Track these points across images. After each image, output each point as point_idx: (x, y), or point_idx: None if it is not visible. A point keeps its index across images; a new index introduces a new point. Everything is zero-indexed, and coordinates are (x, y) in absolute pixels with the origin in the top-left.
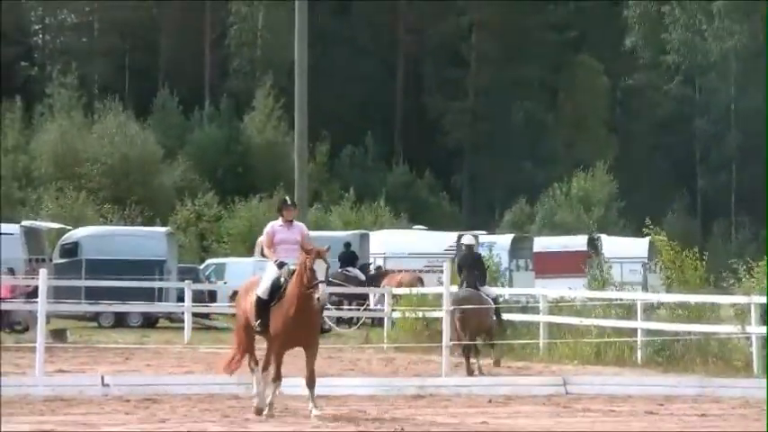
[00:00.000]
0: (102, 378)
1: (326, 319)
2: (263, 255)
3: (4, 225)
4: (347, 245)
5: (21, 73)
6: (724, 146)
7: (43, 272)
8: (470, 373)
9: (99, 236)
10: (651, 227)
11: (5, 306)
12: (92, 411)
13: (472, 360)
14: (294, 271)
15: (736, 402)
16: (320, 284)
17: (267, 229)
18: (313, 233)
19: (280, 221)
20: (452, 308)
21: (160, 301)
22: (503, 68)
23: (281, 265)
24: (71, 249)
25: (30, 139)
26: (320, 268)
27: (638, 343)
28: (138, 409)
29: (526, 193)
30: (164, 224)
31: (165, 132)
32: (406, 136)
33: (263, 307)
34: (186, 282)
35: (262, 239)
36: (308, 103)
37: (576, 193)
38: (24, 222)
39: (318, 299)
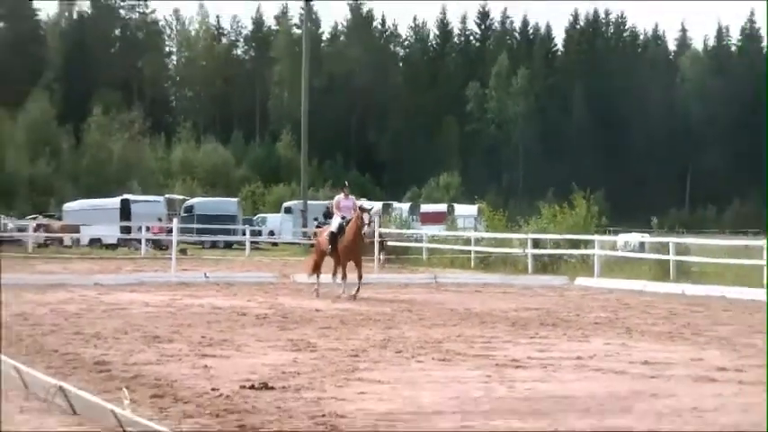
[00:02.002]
0: (205, 273)
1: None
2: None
3: (154, 196)
4: (328, 209)
5: (163, 117)
6: (515, 160)
7: (175, 220)
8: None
9: (203, 202)
10: (479, 199)
11: (157, 237)
12: (200, 290)
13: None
14: (349, 221)
15: (519, 288)
16: (366, 227)
17: (336, 198)
18: (314, 202)
19: (342, 195)
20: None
21: (234, 234)
22: (413, 116)
23: (343, 218)
24: (189, 209)
25: (168, 153)
26: (366, 219)
27: (472, 257)
28: (222, 289)
29: (418, 183)
30: (235, 196)
31: (235, 151)
32: (359, 152)
33: (334, 239)
34: (246, 225)
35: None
36: (308, 134)
37: (442, 183)
38: (166, 195)
39: (365, 233)
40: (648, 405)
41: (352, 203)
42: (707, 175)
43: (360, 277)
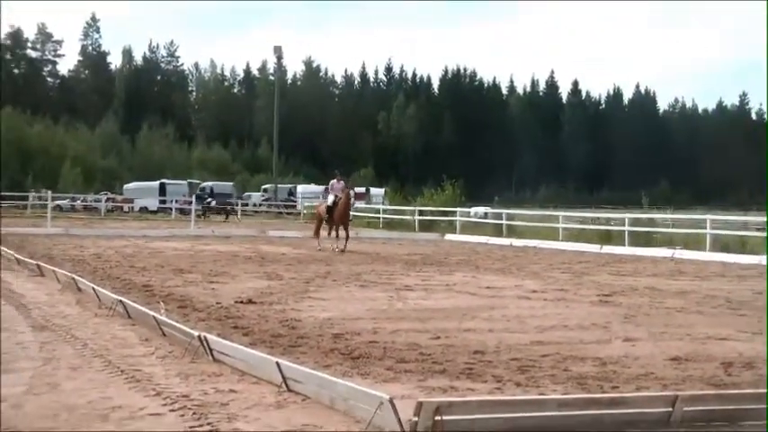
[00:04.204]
0: (212, 230)
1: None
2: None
3: (181, 181)
4: (293, 189)
5: (186, 131)
6: (408, 160)
7: (194, 196)
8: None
9: (216, 185)
10: (385, 185)
11: (182, 207)
12: (209, 241)
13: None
14: (341, 198)
15: (410, 241)
16: (352, 201)
17: (331, 182)
18: (282, 185)
19: (335, 180)
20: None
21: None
22: (344, 132)
23: (336, 196)
24: (204, 189)
25: (190, 154)
26: (352, 196)
27: (381, 221)
28: (223, 240)
29: (347, 174)
30: (232, 182)
31: (232, 153)
32: (311, 153)
33: (329, 210)
34: (238, 200)
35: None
36: (278, 142)
37: (362, 174)
38: (188, 180)
39: (352, 204)
40: (489, 314)
41: (342, 186)
42: (525, 169)
43: (347, 237)
